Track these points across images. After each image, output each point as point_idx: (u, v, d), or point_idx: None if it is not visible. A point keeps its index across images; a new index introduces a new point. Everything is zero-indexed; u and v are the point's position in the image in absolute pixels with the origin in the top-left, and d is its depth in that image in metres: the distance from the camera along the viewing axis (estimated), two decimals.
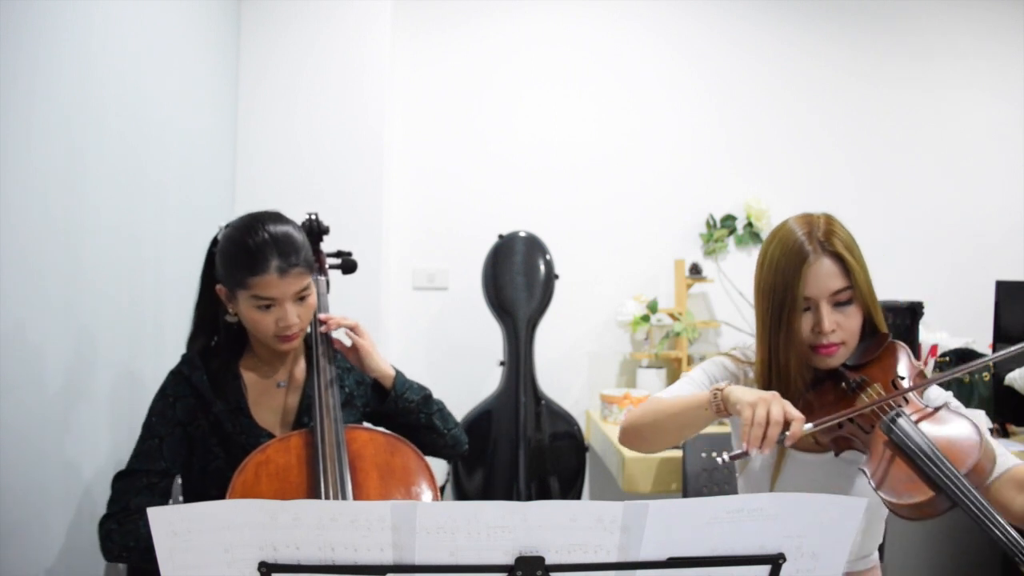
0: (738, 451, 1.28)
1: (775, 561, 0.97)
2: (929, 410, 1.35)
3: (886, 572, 1.90)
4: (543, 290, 3.01)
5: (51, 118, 1.71)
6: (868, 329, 1.46)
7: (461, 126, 3.31)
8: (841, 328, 1.41)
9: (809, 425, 1.29)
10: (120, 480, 1.56)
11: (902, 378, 1.40)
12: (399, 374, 1.71)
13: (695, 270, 3.24)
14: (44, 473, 1.71)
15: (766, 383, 1.47)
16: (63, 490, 1.78)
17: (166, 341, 2.25)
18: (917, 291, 3.08)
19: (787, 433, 1.26)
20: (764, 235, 3.36)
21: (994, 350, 2.96)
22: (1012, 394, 2.70)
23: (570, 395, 3.29)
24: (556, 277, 3.04)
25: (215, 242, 1.62)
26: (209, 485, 1.59)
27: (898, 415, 1.33)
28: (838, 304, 1.41)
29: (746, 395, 1.30)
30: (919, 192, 3.52)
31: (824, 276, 1.40)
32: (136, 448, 1.59)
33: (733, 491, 2.15)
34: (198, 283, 1.67)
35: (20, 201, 1.61)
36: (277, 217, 1.59)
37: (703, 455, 2.26)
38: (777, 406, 1.27)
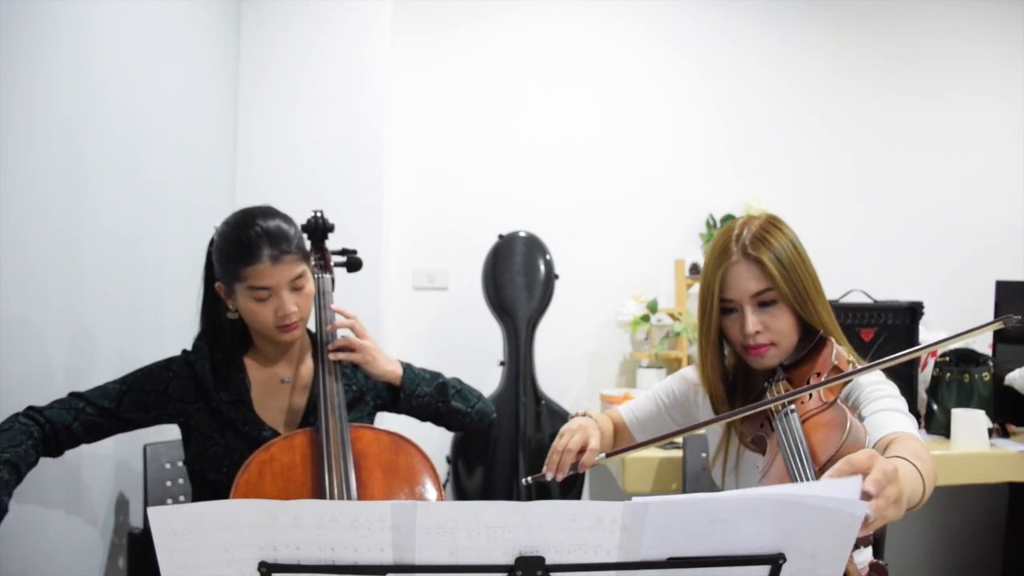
0: (538, 474, 1.43)
1: (775, 561, 0.97)
2: (818, 407, 1.33)
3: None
4: (543, 290, 3.01)
5: (51, 118, 1.71)
6: (807, 330, 1.45)
7: (461, 126, 3.31)
8: (768, 329, 1.41)
9: (602, 454, 1.42)
10: (69, 395, 1.58)
11: (818, 375, 1.38)
12: (407, 370, 1.71)
13: (695, 270, 3.24)
14: (44, 474, 1.70)
15: (702, 383, 1.53)
16: (62, 490, 1.78)
17: (166, 340, 2.24)
18: (917, 291, 3.08)
19: (581, 461, 1.42)
20: None
21: (994, 350, 2.96)
22: (1012, 394, 2.69)
23: (570, 395, 3.29)
24: (556, 277, 3.04)
25: (212, 242, 1.63)
26: (206, 469, 1.60)
27: (787, 413, 1.32)
28: (763, 304, 1.41)
29: (566, 426, 1.48)
30: (919, 192, 3.52)
31: (742, 279, 1.41)
32: (106, 383, 1.61)
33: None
34: (201, 284, 1.67)
35: (20, 201, 1.61)
36: (268, 210, 1.61)
37: (703, 455, 2.26)
38: (577, 437, 1.43)
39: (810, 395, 1.35)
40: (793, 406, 1.34)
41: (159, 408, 1.61)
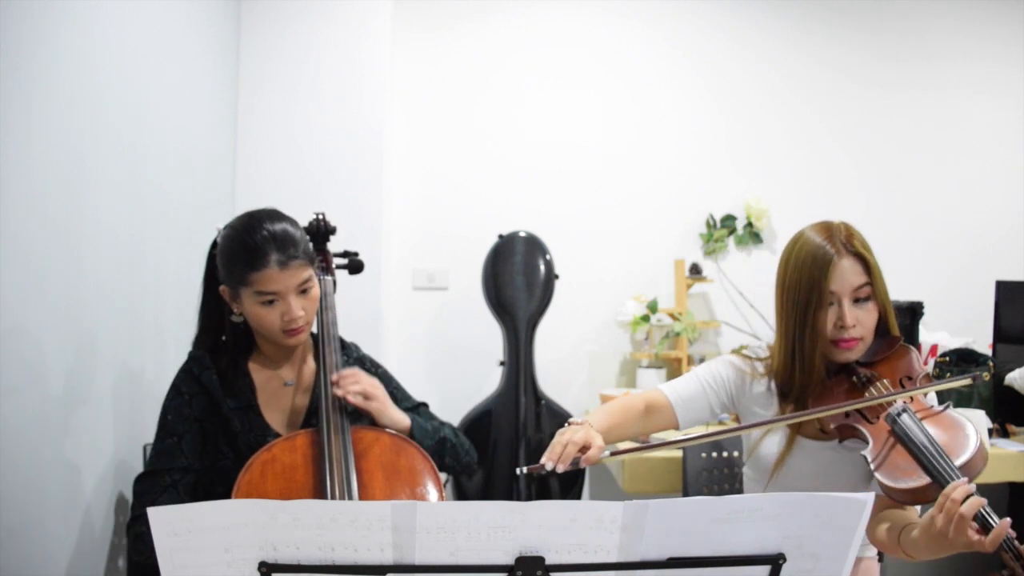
0: (535, 464, 1.43)
1: (775, 561, 0.97)
2: (935, 410, 1.49)
3: (886, 572, 1.91)
4: (543, 290, 3.01)
5: (51, 118, 1.71)
6: (880, 330, 1.59)
7: (461, 126, 3.31)
8: (860, 324, 1.53)
9: (607, 452, 1.46)
10: (142, 482, 1.56)
11: (910, 378, 1.53)
12: (414, 424, 1.69)
13: (695, 270, 3.24)
14: (44, 475, 1.70)
15: (788, 376, 1.59)
16: (63, 493, 1.78)
17: (166, 342, 2.24)
18: (917, 291, 3.08)
19: (584, 456, 1.42)
20: (764, 235, 3.38)
21: (994, 350, 2.96)
22: (1012, 394, 2.69)
23: (570, 395, 3.29)
24: (556, 277, 3.04)
25: (215, 244, 1.63)
26: (216, 483, 1.59)
27: (904, 410, 1.45)
28: (858, 300, 1.53)
29: (567, 426, 1.49)
30: (919, 192, 3.51)
31: (848, 273, 1.52)
32: (155, 448, 1.58)
33: (733, 492, 2.15)
34: (201, 286, 1.67)
35: (20, 201, 1.61)
36: (274, 214, 1.60)
37: (703, 455, 2.26)
38: (581, 434, 1.44)
39: (912, 397, 1.49)
40: (910, 404, 1.47)
41: (203, 438, 1.60)
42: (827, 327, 1.53)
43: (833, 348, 1.54)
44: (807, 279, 1.53)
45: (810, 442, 1.57)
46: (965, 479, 1.30)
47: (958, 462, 1.35)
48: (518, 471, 1.50)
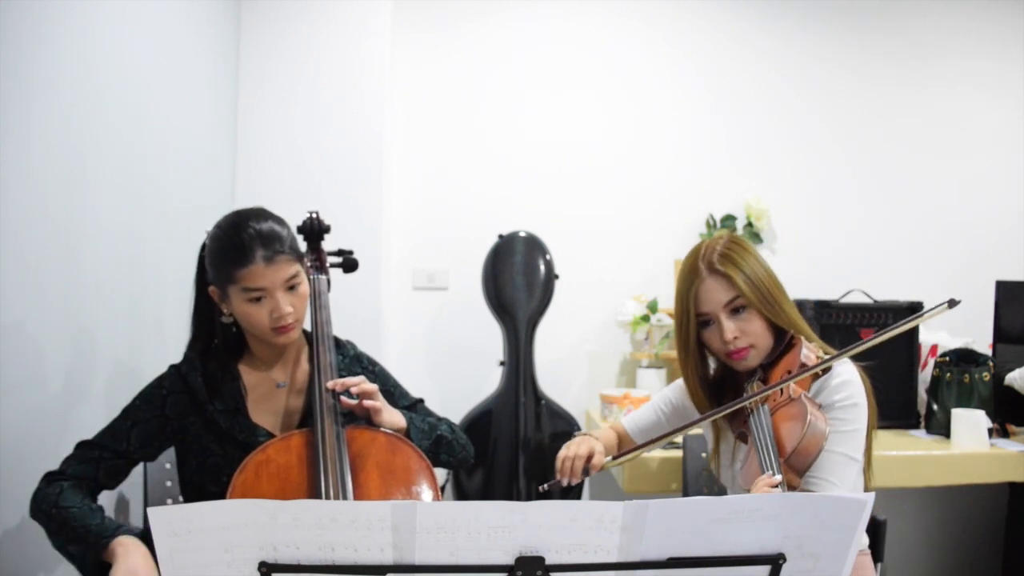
0: (553, 481, 1.61)
1: (775, 561, 0.97)
2: (783, 401, 1.51)
3: (886, 572, 1.90)
4: (543, 290, 3.01)
5: (51, 118, 1.71)
6: (779, 331, 1.60)
7: (461, 126, 3.31)
8: (745, 333, 1.56)
9: (608, 458, 1.63)
10: (79, 447, 1.57)
11: (788, 372, 1.53)
12: (410, 425, 1.69)
13: None
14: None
15: (687, 390, 1.69)
16: None
17: (166, 341, 2.25)
18: (917, 291, 3.08)
19: (591, 464, 1.61)
20: (764, 235, 3.38)
21: (994, 350, 2.96)
22: (1012, 394, 2.69)
23: (570, 395, 3.29)
24: (556, 277, 3.04)
25: (204, 247, 1.62)
26: (207, 481, 1.59)
27: (760, 410, 1.50)
28: (735, 312, 1.56)
29: (569, 442, 1.67)
30: (919, 192, 3.51)
31: (711, 292, 1.56)
32: (110, 423, 1.60)
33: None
34: (193, 290, 1.67)
35: (20, 201, 1.61)
36: (260, 212, 1.60)
37: (703, 455, 2.26)
38: (585, 446, 1.62)
39: (781, 391, 1.52)
40: (766, 402, 1.52)
41: (162, 434, 1.60)
42: (716, 344, 1.58)
43: (731, 360, 1.59)
44: (681, 304, 1.61)
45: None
46: (770, 472, 1.37)
47: (787, 452, 1.40)
48: (540, 489, 1.60)
